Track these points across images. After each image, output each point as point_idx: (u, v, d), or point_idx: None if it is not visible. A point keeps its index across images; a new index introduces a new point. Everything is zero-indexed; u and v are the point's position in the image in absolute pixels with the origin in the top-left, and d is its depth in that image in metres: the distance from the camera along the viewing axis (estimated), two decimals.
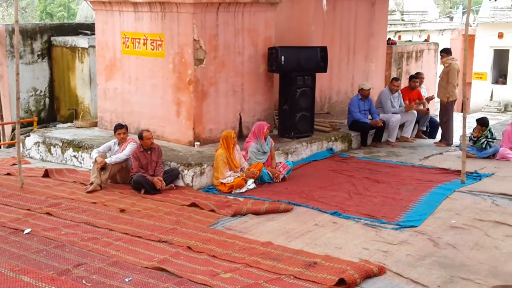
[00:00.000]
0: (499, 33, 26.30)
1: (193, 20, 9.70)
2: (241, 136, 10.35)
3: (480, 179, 9.54)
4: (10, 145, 13.08)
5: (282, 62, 10.61)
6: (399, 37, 23.32)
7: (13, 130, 13.38)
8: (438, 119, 12.93)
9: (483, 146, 11.11)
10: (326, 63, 11.25)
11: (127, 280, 5.73)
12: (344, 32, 12.90)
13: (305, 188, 8.97)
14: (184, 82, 9.98)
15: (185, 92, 10.00)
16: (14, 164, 10.28)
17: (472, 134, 11.29)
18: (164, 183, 8.78)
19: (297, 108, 10.92)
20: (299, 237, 7.03)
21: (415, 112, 12.67)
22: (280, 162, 9.74)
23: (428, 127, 13.43)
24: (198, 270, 5.97)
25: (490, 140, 11.10)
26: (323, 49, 11.24)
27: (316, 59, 11.14)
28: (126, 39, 10.78)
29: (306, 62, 10.98)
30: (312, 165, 10.45)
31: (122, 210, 7.87)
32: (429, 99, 13.32)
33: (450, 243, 6.87)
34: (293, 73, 10.79)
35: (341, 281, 5.68)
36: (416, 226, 7.36)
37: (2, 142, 13.83)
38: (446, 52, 12.54)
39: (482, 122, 11.24)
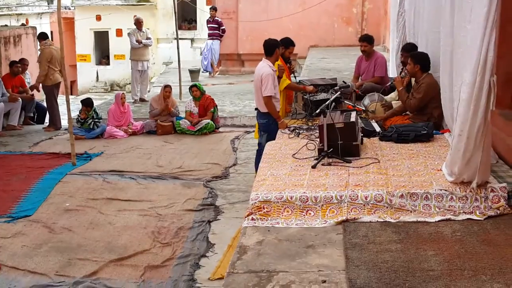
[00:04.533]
0: (97, 15, 26.93)
1: None
2: None
3: (90, 159, 9.74)
4: None
5: None
6: None
7: None
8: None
9: (91, 126, 11.33)
10: None
11: None
12: None
13: None
14: None
15: None
16: None
17: (79, 116, 11.43)
18: None
19: None
20: None
21: (20, 99, 12.30)
22: None
23: (35, 113, 13.16)
24: None
25: (96, 120, 11.38)
26: None
27: None
28: None
29: None
30: None
31: None
32: (33, 86, 12.96)
33: (66, 227, 6.91)
34: None
35: None
36: (30, 215, 7.22)
37: None
38: (40, 37, 12.46)
39: (87, 103, 11.45)
